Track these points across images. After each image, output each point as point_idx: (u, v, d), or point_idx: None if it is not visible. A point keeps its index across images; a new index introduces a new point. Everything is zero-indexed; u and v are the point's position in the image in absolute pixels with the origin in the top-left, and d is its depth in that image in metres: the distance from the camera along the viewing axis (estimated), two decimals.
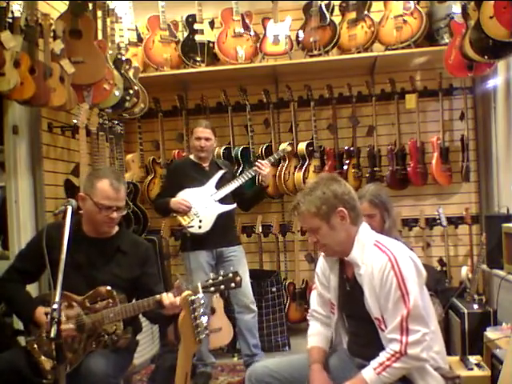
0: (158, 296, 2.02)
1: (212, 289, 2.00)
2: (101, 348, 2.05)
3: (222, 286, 2.00)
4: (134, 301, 2.13)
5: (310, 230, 1.88)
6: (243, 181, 3.38)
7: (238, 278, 2.01)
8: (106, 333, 2.05)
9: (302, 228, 4.25)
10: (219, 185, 3.36)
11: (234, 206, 3.42)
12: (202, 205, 3.30)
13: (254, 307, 3.42)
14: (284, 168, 4.22)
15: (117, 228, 2.29)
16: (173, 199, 3.30)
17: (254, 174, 3.41)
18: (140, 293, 2.13)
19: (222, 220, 3.32)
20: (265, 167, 3.34)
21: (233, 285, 2.00)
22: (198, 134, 3.34)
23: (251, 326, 3.40)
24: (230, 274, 2.01)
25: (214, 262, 3.34)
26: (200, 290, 1.95)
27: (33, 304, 2.13)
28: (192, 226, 3.27)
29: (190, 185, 3.34)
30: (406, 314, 1.71)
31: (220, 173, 3.39)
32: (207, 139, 3.34)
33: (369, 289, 1.79)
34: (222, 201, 3.34)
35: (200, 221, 3.28)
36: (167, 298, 2.00)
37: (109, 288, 2.06)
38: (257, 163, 3.38)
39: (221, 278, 2.00)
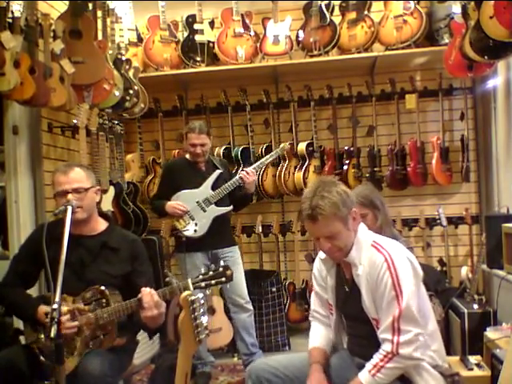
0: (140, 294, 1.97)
1: (203, 284, 1.97)
2: (98, 348, 2.03)
3: (213, 281, 1.97)
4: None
5: (328, 236, 1.78)
6: (231, 188, 3.32)
7: (229, 272, 1.97)
8: (101, 333, 2.04)
9: (302, 228, 4.25)
10: (215, 186, 3.33)
11: (230, 208, 3.41)
12: (198, 208, 3.29)
13: (250, 306, 3.41)
14: (284, 168, 4.21)
15: (106, 224, 2.29)
16: (168, 203, 3.29)
17: (240, 182, 3.32)
18: (132, 292, 2.06)
19: (218, 222, 3.31)
20: (249, 176, 3.29)
21: (223, 279, 1.97)
22: (193, 140, 3.29)
23: (248, 325, 3.40)
24: (221, 269, 1.98)
25: (209, 263, 3.32)
26: (191, 287, 1.94)
27: (34, 303, 2.13)
28: (187, 230, 3.28)
29: (185, 186, 3.32)
30: (397, 314, 1.71)
31: (216, 173, 3.37)
32: (202, 145, 3.30)
33: (366, 289, 1.80)
34: (218, 202, 3.33)
35: (196, 224, 3.29)
36: (146, 291, 1.95)
37: (102, 287, 2.05)
38: (242, 172, 3.33)
39: (211, 273, 1.98)
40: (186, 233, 3.29)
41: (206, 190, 3.32)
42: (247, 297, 3.42)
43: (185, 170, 3.39)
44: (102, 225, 2.28)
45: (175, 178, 3.38)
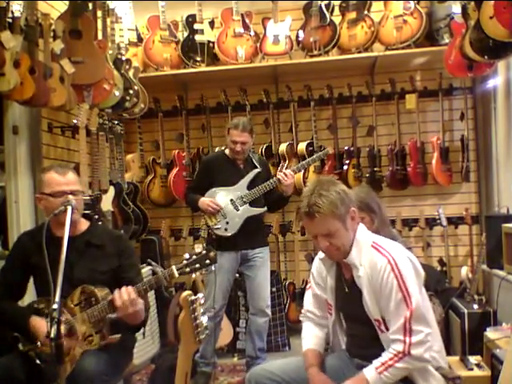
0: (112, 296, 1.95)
1: (187, 269, 1.94)
2: (92, 346, 2.02)
3: (197, 265, 1.94)
4: None
5: (326, 234, 1.78)
6: (266, 189, 3.24)
7: (212, 254, 1.94)
8: (94, 331, 2.03)
9: (302, 228, 4.25)
10: (252, 185, 3.25)
11: (264, 209, 3.32)
12: (231, 206, 3.22)
13: (269, 312, 3.36)
14: (284, 168, 4.20)
15: (87, 224, 2.28)
16: (202, 199, 3.23)
17: (276, 183, 3.23)
18: (121, 286, 2.02)
19: (250, 222, 3.24)
20: (288, 178, 3.19)
21: (208, 261, 1.94)
22: (234, 137, 3.20)
23: (262, 330, 3.35)
24: (204, 251, 1.95)
25: (237, 263, 3.29)
26: (176, 273, 1.93)
27: (25, 315, 2.11)
28: (218, 228, 3.21)
29: (222, 182, 3.25)
30: (409, 315, 1.71)
31: (254, 172, 3.28)
32: (243, 143, 3.21)
33: (368, 290, 1.79)
34: (253, 202, 3.25)
35: (227, 223, 3.21)
36: (118, 293, 1.93)
37: (90, 287, 2.05)
38: (280, 174, 3.22)
39: (195, 257, 1.95)
40: (216, 231, 3.22)
41: (241, 188, 3.25)
42: (269, 301, 3.36)
43: (223, 165, 3.30)
44: (84, 225, 2.27)
45: (212, 173, 3.30)
